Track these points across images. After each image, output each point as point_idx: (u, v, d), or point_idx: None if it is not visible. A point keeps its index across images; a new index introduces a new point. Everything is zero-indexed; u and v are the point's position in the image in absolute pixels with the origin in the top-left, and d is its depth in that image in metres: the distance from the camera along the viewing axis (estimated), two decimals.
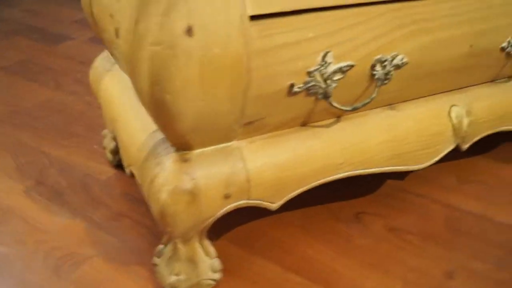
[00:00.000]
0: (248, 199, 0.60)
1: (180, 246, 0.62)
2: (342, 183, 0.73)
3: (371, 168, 0.68)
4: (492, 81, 0.81)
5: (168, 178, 0.56)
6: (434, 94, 0.74)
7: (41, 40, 1.49)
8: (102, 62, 0.81)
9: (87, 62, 1.27)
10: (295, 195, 0.64)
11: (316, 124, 0.64)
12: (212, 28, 0.48)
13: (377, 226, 0.78)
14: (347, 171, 0.66)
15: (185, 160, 0.57)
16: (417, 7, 0.61)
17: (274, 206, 0.63)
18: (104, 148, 0.91)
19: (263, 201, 0.61)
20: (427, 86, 0.71)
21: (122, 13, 0.55)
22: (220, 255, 0.66)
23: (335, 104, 0.60)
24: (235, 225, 0.77)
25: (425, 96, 0.74)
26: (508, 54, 0.75)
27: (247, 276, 0.69)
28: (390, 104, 0.70)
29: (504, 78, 0.81)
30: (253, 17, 0.50)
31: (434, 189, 0.86)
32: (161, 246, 0.65)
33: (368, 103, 0.62)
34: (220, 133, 0.56)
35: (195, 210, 0.57)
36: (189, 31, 0.47)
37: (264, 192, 0.61)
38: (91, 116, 1.06)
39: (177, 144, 0.57)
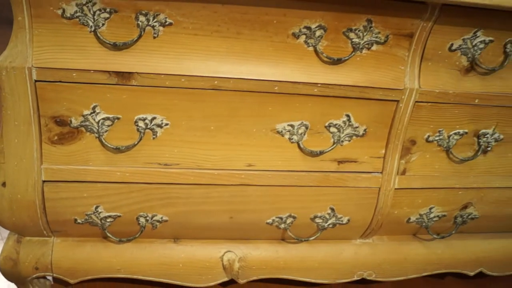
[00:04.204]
0: (53, 273, 1.10)
1: (20, 286, 1.14)
2: None
3: (147, 277, 1.12)
4: (282, 239, 1.18)
5: (5, 248, 1.08)
6: (216, 239, 1.15)
7: None
8: None
9: None
10: (88, 279, 1.12)
11: (112, 239, 1.11)
12: (16, 185, 0.98)
13: None
14: (126, 275, 1.12)
15: (18, 241, 1.09)
16: (173, 189, 1.04)
17: (73, 281, 1.11)
18: None
19: (64, 277, 1.11)
20: (203, 234, 1.12)
21: None
22: None
23: (108, 234, 1.06)
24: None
25: (208, 239, 1.14)
26: (277, 227, 1.12)
27: None
28: (175, 238, 1.13)
29: (295, 239, 1.17)
30: (46, 181, 0.99)
31: None
32: None
33: (130, 240, 1.07)
34: (36, 234, 1.07)
35: (15, 271, 1.09)
36: (3, 184, 0.98)
37: (63, 272, 1.10)
38: None
39: (16, 233, 1.09)
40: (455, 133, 1.09)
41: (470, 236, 1.26)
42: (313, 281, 1.19)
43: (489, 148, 1.11)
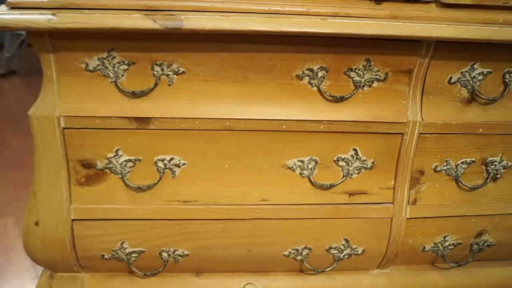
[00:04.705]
0: None
1: None
2: None
3: None
4: (300, 271, 1.22)
5: (39, 284, 1.17)
6: (236, 272, 1.20)
7: None
8: None
9: None
10: None
11: (137, 273, 1.18)
12: (48, 223, 1.07)
13: None
14: None
15: (50, 277, 1.17)
16: (192, 224, 1.11)
17: None
18: None
19: None
20: (223, 267, 1.18)
21: None
22: None
23: (133, 269, 1.14)
24: None
25: (229, 272, 1.20)
26: (294, 258, 1.17)
27: None
28: (197, 271, 1.20)
29: (313, 271, 1.22)
30: (75, 220, 1.08)
31: None
32: None
33: (154, 274, 1.14)
34: (67, 269, 1.15)
35: None
36: (36, 224, 1.08)
37: None
38: None
39: (49, 269, 1.17)
40: (462, 162, 1.13)
41: (488, 264, 1.27)
42: None
43: (498, 176, 1.14)
